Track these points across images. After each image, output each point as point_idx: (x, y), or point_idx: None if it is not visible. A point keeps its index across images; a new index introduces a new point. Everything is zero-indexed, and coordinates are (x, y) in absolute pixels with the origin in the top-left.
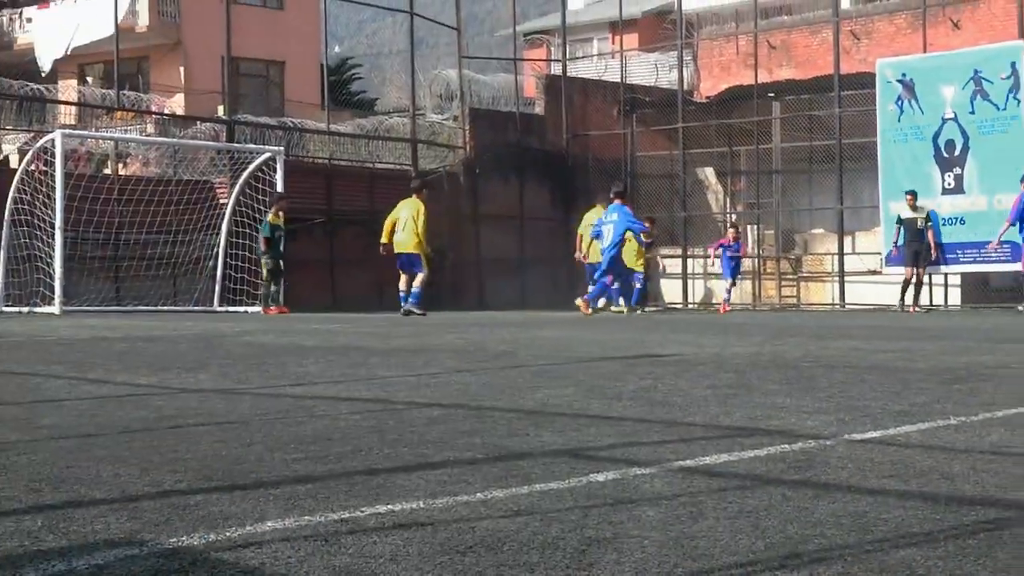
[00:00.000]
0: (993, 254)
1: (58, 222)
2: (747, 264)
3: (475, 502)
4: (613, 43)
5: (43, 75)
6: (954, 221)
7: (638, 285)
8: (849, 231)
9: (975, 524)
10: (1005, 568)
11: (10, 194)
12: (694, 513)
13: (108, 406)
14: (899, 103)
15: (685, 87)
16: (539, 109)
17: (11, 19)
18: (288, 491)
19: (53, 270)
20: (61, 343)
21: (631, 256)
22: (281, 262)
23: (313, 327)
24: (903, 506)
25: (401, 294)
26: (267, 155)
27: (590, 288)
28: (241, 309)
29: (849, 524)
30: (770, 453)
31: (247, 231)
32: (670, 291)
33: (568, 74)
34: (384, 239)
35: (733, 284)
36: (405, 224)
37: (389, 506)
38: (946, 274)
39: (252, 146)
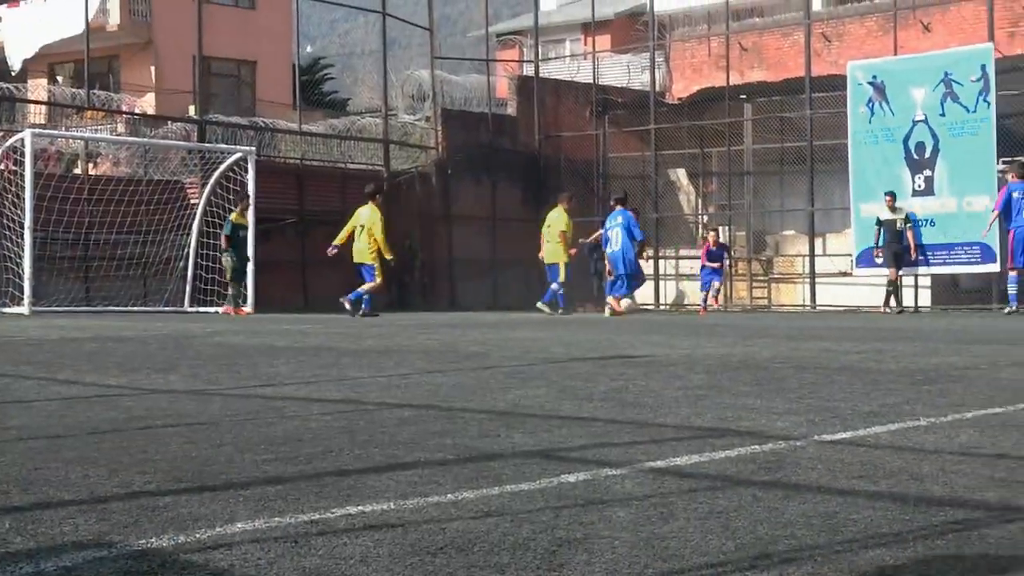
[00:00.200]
0: (963, 255)
1: (27, 222)
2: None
3: (446, 503)
4: (585, 44)
5: (12, 74)
6: (924, 223)
7: (554, 286)
8: (820, 233)
9: (944, 524)
10: (973, 568)
11: None
12: (665, 514)
13: (77, 407)
14: (870, 105)
15: (657, 88)
16: (511, 110)
17: None
18: (258, 492)
19: (22, 270)
20: (30, 343)
21: (558, 253)
22: (247, 263)
23: (284, 328)
24: (873, 507)
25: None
26: (238, 155)
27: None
28: (212, 310)
29: (819, 524)
30: (741, 454)
31: (218, 231)
32: (641, 292)
33: (540, 75)
34: (338, 241)
35: (719, 287)
36: (361, 234)
37: (359, 507)
38: (916, 276)
39: (223, 146)
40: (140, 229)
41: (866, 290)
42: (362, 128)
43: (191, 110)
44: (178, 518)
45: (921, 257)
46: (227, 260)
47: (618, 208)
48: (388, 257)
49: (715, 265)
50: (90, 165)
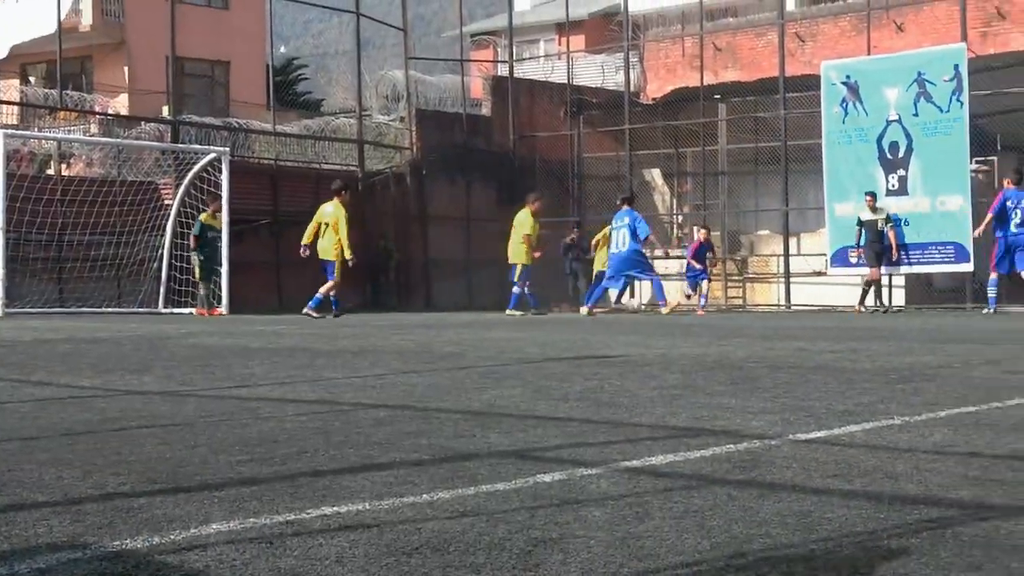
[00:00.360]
0: (936, 255)
1: (0, 223)
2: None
3: (421, 503)
4: (560, 44)
5: None
6: (898, 222)
7: (516, 290)
8: (794, 232)
9: (918, 523)
10: (947, 566)
11: None
12: (640, 513)
13: (51, 408)
14: (844, 105)
15: (631, 89)
16: (486, 110)
17: None
18: (233, 493)
19: None
20: (3, 345)
21: (519, 253)
22: (217, 265)
23: (258, 329)
24: (847, 505)
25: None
26: (212, 156)
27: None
28: (186, 311)
29: (793, 523)
30: (716, 453)
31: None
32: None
33: (515, 75)
34: (305, 240)
35: (708, 284)
36: (326, 231)
37: (335, 508)
38: (890, 275)
39: (197, 147)
40: (114, 230)
41: (841, 289)
42: (336, 128)
43: (164, 110)
44: (152, 519)
45: (904, 256)
46: (196, 260)
47: (625, 208)
48: (348, 256)
49: (699, 267)
50: (63, 166)
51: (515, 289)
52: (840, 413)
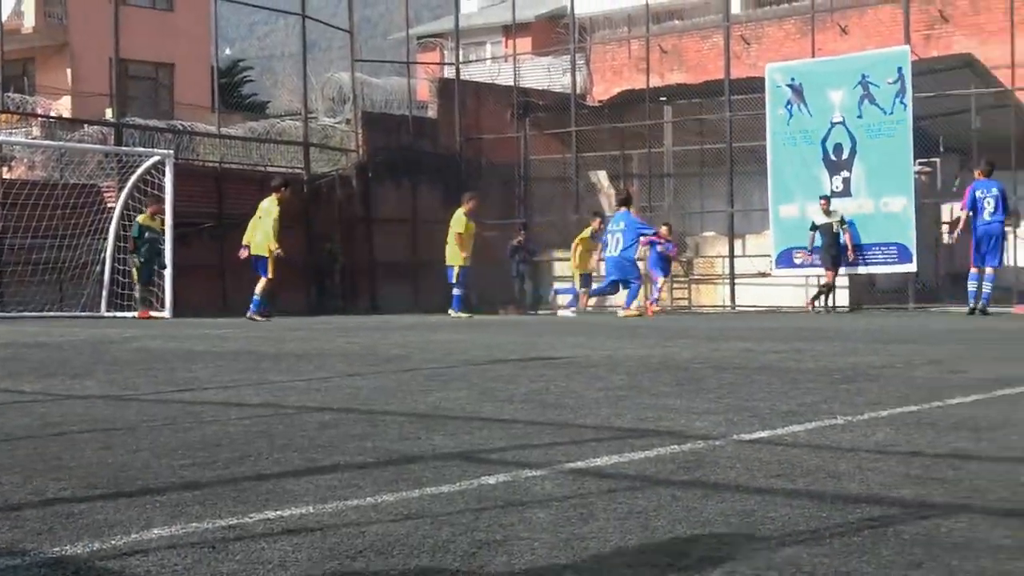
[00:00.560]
0: (880, 255)
1: None
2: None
3: (365, 506)
4: (506, 47)
5: None
6: (852, 224)
7: (456, 292)
8: (740, 234)
9: (860, 522)
10: (888, 564)
11: None
12: (584, 514)
13: None
14: (788, 107)
15: (578, 91)
16: (432, 112)
17: None
18: (175, 498)
19: None
20: None
21: (453, 255)
22: (158, 267)
23: (203, 332)
24: (790, 504)
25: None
26: (156, 158)
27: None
28: (130, 314)
29: (737, 523)
30: (660, 454)
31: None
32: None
33: (461, 77)
34: (246, 240)
35: (664, 282)
36: (258, 224)
37: (278, 512)
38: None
39: (141, 149)
40: (56, 233)
41: (785, 290)
42: (282, 131)
43: (108, 113)
44: (93, 525)
45: (861, 257)
46: (134, 262)
47: (622, 211)
48: (273, 247)
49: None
50: (4, 169)
51: (456, 291)
52: (784, 413)
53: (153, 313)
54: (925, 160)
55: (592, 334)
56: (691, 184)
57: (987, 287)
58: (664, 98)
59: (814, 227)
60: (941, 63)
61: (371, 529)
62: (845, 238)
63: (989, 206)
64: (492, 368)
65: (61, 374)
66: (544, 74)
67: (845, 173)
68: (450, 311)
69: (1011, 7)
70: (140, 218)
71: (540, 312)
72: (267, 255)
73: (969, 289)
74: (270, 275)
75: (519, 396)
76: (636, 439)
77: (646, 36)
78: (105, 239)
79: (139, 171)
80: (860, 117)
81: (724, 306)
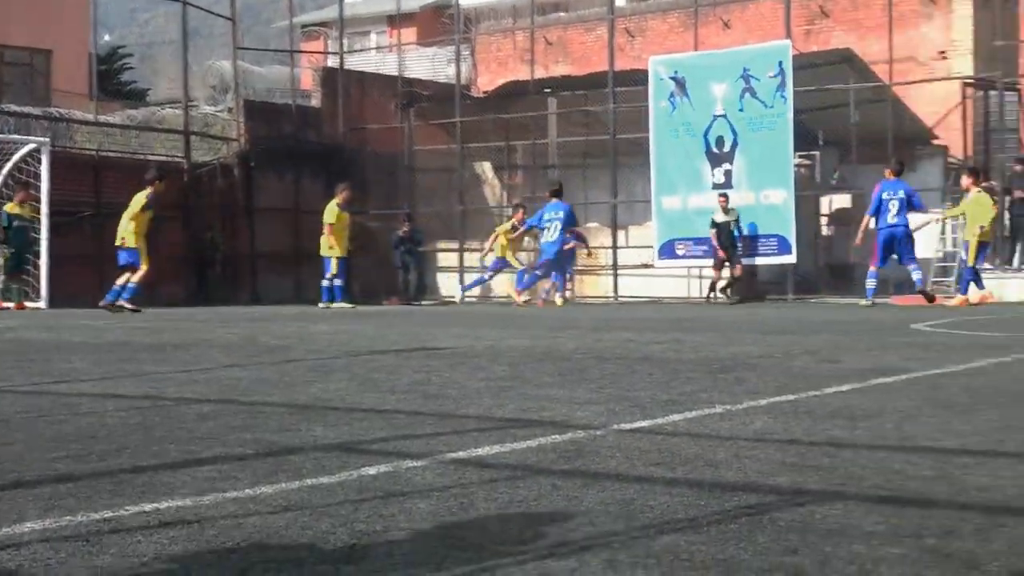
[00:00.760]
0: (760, 247)
1: None
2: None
3: (244, 498)
4: (391, 36)
5: None
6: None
7: (338, 282)
8: (623, 225)
9: (737, 509)
10: (765, 551)
11: None
12: (465, 504)
13: None
14: (671, 100)
15: (462, 81)
16: (316, 102)
17: None
18: (48, 491)
19: None
20: None
21: (325, 245)
22: (28, 255)
23: (81, 323)
24: (669, 493)
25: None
26: (31, 146)
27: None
28: (7, 305)
29: (616, 511)
30: (541, 444)
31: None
32: (446, 285)
33: (345, 67)
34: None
35: (569, 278)
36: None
37: (155, 504)
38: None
39: (15, 136)
40: None
41: (668, 281)
42: (162, 119)
43: None
44: None
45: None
46: (2, 252)
47: (556, 201)
48: (129, 241)
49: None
50: None
51: (336, 282)
52: (664, 403)
53: (28, 304)
54: (805, 153)
55: (476, 324)
56: (575, 175)
57: (916, 275)
58: (549, 89)
59: (714, 225)
60: (821, 58)
61: (249, 521)
62: (743, 231)
63: (893, 208)
64: (374, 359)
65: None
66: (429, 64)
67: (727, 165)
68: (322, 303)
69: (889, 3)
70: (8, 207)
71: (424, 303)
72: (133, 245)
73: (867, 286)
74: (144, 265)
75: (401, 387)
76: (518, 429)
77: (531, 27)
78: None
79: (14, 159)
80: (742, 110)
81: (608, 297)
